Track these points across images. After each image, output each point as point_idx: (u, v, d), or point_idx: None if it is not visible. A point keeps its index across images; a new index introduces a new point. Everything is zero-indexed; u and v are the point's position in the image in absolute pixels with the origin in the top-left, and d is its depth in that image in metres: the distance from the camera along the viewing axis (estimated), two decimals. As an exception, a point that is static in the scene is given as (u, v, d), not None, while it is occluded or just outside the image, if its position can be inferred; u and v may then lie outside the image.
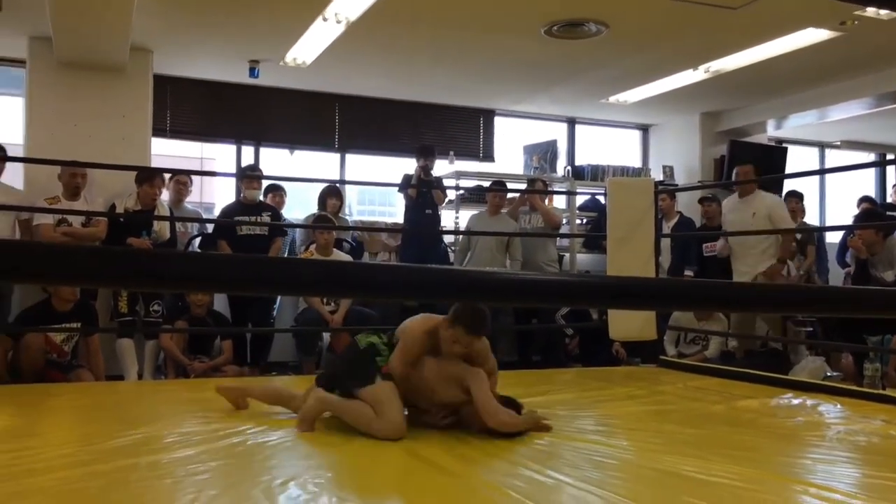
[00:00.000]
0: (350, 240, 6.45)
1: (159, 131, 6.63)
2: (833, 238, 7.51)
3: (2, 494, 1.98)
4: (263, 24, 5.43)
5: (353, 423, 2.81)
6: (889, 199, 8.43)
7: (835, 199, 9.37)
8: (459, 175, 7.24)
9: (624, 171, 8.05)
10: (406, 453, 2.61)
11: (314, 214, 6.19)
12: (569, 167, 8.01)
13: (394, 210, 8.92)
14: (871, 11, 4.97)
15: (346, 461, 2.52)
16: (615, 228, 5.45)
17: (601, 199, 7.14)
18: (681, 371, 5.09)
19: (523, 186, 7.05)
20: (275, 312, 6.03)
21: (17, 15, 5.06)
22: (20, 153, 5.64)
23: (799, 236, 6.47)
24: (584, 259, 7.47)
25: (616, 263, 5.36)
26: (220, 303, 5.62)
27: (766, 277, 5.38)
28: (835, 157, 9.51)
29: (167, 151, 7.44)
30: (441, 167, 7.11)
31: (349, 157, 7.82)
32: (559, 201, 7.42)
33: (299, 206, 7.28)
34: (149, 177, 5.27)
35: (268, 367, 5.66)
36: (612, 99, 7.45)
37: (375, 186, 9.58)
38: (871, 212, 6.43)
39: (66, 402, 3.47)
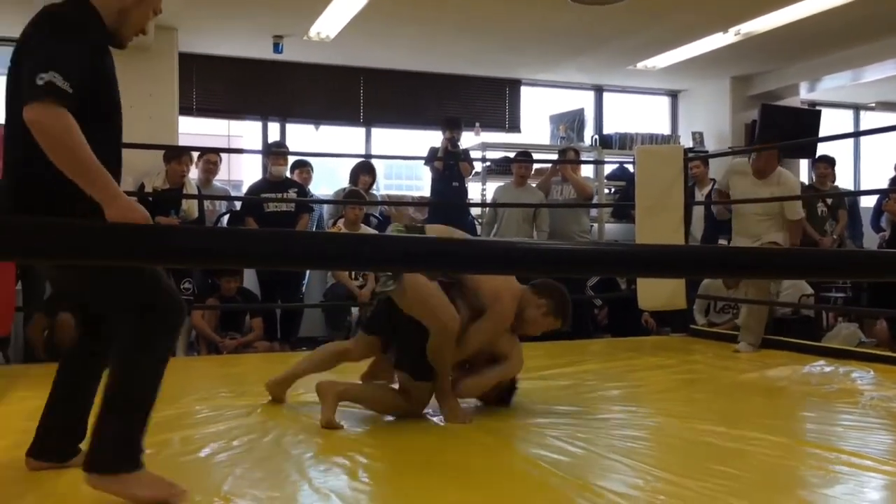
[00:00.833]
0: (377, 214, 6.46)
1: (186, 109, 6.67)
2: (868, 202, 7.35)
3: (36, 471, 2.03)
4: (285, -1, 5.41)
5: (380, 409, 2.80)
6: (927, 162, 8.22)
7: (870, 163, 9.15)
8: (486, 147, 7.19)
9: (652, 139, 7.94)
10: (436, 428, 2.63)
11: (343, 189, 6.20)
12: (596, 136, 7.91)
13: (421, 184, 8.89)
14: (907, -33, 4.81)
15: (377, 438, 2.54)
16: (644, 197, 5.39)
17: (629, 167, 7.06)
18: (711, 340, 5.05)
19: (550, 157, 6.98)
20: (304, 288, 6.07)
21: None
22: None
23: (830, 201, 6.31)
24: (612, 229, 7.41)
25: (645, 233, 5.31)
26: (250, 280, 5.67)
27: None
28: (870, 119, 9.28)
29: (195, 130, 7.49)
30: (467, 139, 7.07)
31: (374, 131, 7.80)
32: (587, 170, 7.34)
33: (326, 181, 7.30)
34: (177, 154, 5.31)
35: (298, 342, 5.71)
36: (640, 65, 7.32)
37: (402, 160, 9.57)
38: (908, 175, 6.28)
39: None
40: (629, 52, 6.92)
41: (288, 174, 6.02)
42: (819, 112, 8.15)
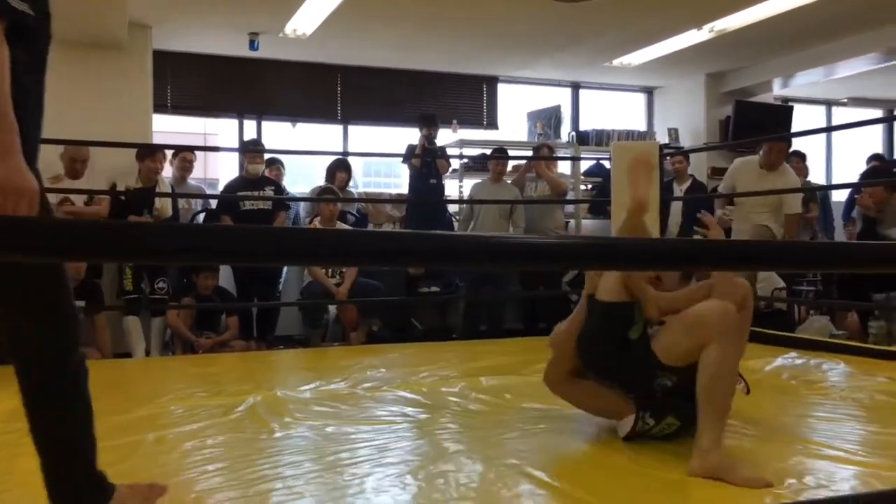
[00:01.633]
0: (354, 212, 6.45)
1: (160, 107, 6.62)
2: (839, 196, 7.45)
3: (11, 472, 2.01)
4: (260, -5, 5.38)
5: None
6: (898, 156, 8.35)
7: (842, 157, 9.27)
8: (463, 143, 7.20)
9: (629, 135, 7.99)
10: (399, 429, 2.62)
11: (319, 187, 6.19)
12: (573, 132, 7.95)
13: (399, 181, 8.89)
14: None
15: (357, 434, 2.54)
16: (620, 193, 5.40)
17: (606, 164, 7.10)
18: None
19: (527, 154, 7.00)
20: (280, 287, 6.05)
21: (11, -6, 5.02)
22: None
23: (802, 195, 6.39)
24: (589, 225, 7.45)
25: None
26: (226, 279, 5.64)
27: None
28: (842, 115, 9.40)
29: (170, 128, 7.43)
30: (445, 136, 7.08)
31: (352, 128, 7.78)
32: (564, 167, 7.37)
33: (304, 179, 7.27)
34: (150, 152, 5.26)
35: (274, 340, 5.69)
36: (616, 62, 7.36)
37: (380, 157, 9.56)
38: (880, 169, 6.37)
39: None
40: (605, 49, 6.95)
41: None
42: (792, 108, 8.25)
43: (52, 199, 5.11)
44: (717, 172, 7.29)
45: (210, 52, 6.89)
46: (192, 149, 6.40)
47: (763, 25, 6.14)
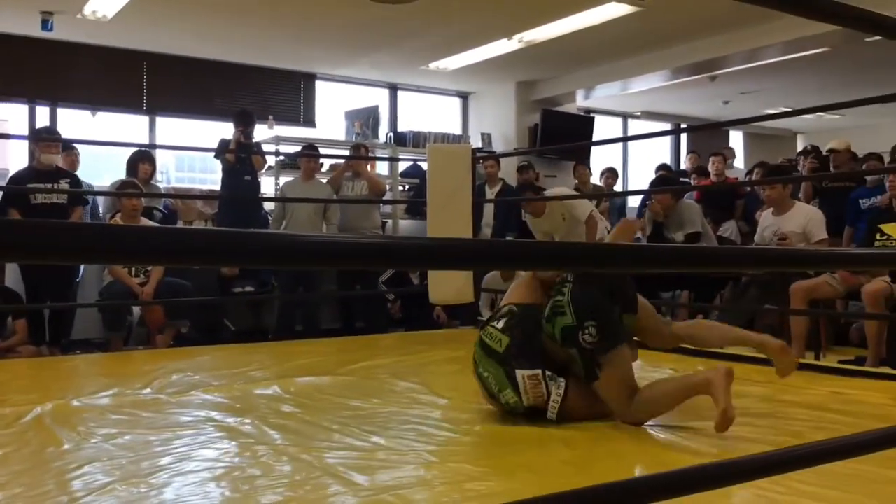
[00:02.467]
0: (161, 208, 6.11)
1: (-65, 89, 5.94)
2: (634, 202, 8.07)
3: None
4: (54, -29, 4.97)
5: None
6: (683, 167, 9.18)
7: (635, 166, 10.08)
8: (279, 140, 7.05)
9: (444, 138, 8.20)
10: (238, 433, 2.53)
11: (120, 181, 5.81)
12: (391, 133, 8.03)
13: (216, 177, 8.53)
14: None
15: (158, 442, 2.41)
16: (435, 194, 5.54)
17: (423, 165, 7.23)
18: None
19: (344, 153, 6.98)
20: (77, 287, 5.61)
21: None
22: None
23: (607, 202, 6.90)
24: (406, 225, 7.56)
25: (436, 228, 5.46)
26: (13, 278, 5.15)
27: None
28: (636, 127, 10.21)
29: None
30: (261, 132, 6.89)
31: (160, 120, 7.38)
32: (382, 167, 7.43)
33: (106, 171, 6.79)
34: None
35: (70, 345, 5.27)
36: (433, 66, 7.53)
37: (191, 152, 9.12)
38: (666, 178, 6.96)
39: None
40: (422, 52, 7.09)
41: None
42: (593, 118, 8.84)
43: None
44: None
45: (-3, 30, 6.28)
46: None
47: (566, 39, 6.53)
